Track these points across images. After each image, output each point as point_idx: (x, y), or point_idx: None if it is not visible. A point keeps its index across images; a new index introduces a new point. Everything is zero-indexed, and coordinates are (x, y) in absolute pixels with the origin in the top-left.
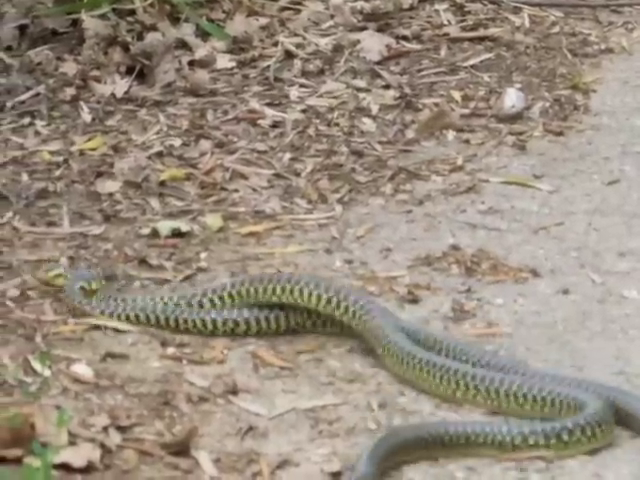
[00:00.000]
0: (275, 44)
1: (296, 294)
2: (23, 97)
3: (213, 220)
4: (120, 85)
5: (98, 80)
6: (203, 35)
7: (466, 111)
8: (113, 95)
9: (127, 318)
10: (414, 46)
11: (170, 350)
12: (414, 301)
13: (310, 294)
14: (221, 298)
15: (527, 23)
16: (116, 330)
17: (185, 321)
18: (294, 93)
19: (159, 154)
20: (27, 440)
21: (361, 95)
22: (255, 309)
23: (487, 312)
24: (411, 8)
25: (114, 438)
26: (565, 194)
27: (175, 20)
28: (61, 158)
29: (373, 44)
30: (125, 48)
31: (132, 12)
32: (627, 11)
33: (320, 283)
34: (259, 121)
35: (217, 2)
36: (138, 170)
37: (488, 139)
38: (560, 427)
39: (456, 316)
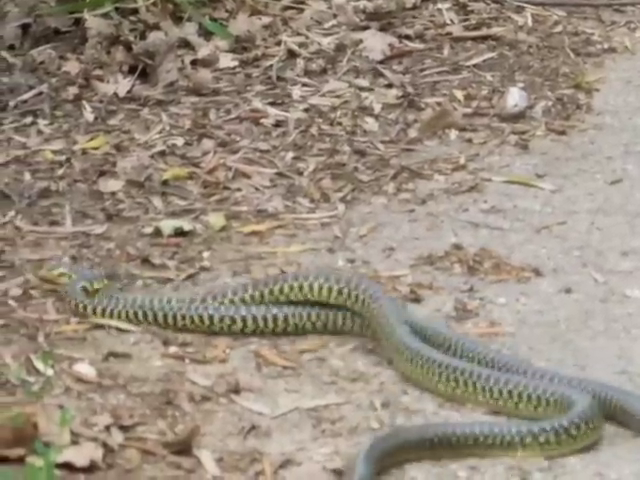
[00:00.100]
0: (278, 43)
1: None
2: (26, 96)
3: (216, 219)
4: (123, 84)
5: (101, 79)
6: (206, 34)
7: (469, 110)
8: (116, 94)
9: (135, 316)
10: (417, 45)
11: (172, 349)
12: (417, 300)
13: (321, 288)
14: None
15: (530, 22)
16: (118, 329)
17: (183, 317)
18: (297, 92)
19: (162, 153)
20: (30, 439)
21: (364, 94)
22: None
23: (490, 311)
24: (414, 7)
25: (116, 437)
26: (568, 193)
27: (178, 19)
28: (64, 157)
29: (376, 43)
30: (128, 47)
31: (135, 11)
32: (630, 10)
33: (330, 276)
34: (262, 120)
35: (220, 1)
36: (141, 169)
37: (491, 138)
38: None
39: (459, 315)
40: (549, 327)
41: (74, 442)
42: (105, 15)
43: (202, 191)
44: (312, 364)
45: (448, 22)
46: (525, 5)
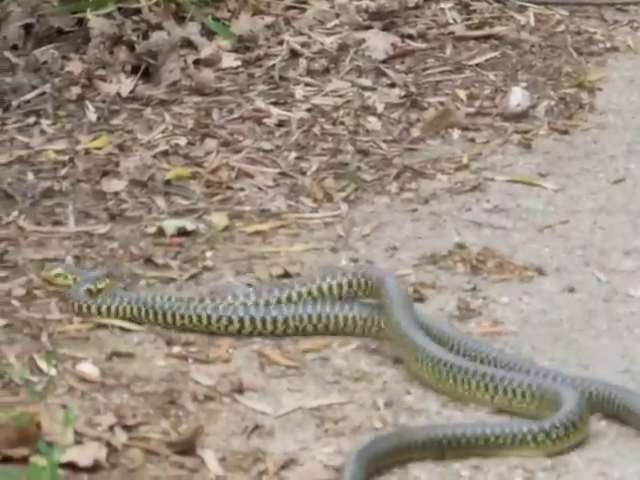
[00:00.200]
0: (280, 43)
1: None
2: (29, 96)
3: (219, 219)
4: (125, 84)
5: (103, 79)
6: (208, 34)
7: (471, 110)
8: (118, 94)
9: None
10: (419, 45)
11: (176, 349)
12: (420, 300)
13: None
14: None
15: (532, 22)
16: (122, 329)
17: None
18: (299, 92)
19: (165, 153)
20: (33, 439)
21: (366, 94)
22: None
23: (493, 310)
24: (416, 7)
25: (120, 437)
26: (570, 193)
27: (180, 19)
28: (67, 157)
29: (378, 43)
30: (130, 47)
31: (137, 11)
32: (632, 10)
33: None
34: (264, 120)
35: (222, 1)
36: (144, 169)
37: (493, 138)
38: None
39: (462, 314)
40: (552, 326)
41: (77, 442)
42: (108, 15)
43: (205, 191)
44: (315, 364)
45: (451, 21)
46: (528, 4)
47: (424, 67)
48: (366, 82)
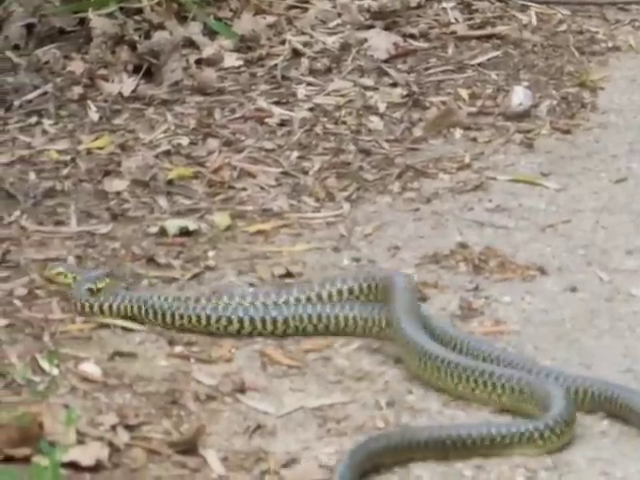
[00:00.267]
0: (282, 42)
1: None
2: (30, 96)
3: (221, 218)
4: (127, 84)
5: (105, 79)
6: (210, 34)
7: (473, 109)
8: (120, 94)
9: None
10: (421, 44)
11: (178, 349)
12: (422, 299)
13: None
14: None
15: (534, 21)
16: (124, 329)
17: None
18: (301, 91)
19: (167, 153)
20: (35, 439)
21: (368, 93)
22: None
23: (495, 310)
24: (418, 6)
25: (122, 437)
26: (572, 192)
27: (182, 19)
28: (68, 157)
29: (380, 42)
30: (132, 47)
31: (139, 11)
32: (634, 9)
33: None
34: (267, 119)
35: (224, 1)
36: (146, 169)
37: (495, 137)
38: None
39: (464, 314)
40: (554, 326)
41: (80, 441)
42: (110, 15)
43: (207, 190)
44: (317, 363)
45: (453, 21)
46: (530, 4)
47: (426, 67)
48: (368, 82)
